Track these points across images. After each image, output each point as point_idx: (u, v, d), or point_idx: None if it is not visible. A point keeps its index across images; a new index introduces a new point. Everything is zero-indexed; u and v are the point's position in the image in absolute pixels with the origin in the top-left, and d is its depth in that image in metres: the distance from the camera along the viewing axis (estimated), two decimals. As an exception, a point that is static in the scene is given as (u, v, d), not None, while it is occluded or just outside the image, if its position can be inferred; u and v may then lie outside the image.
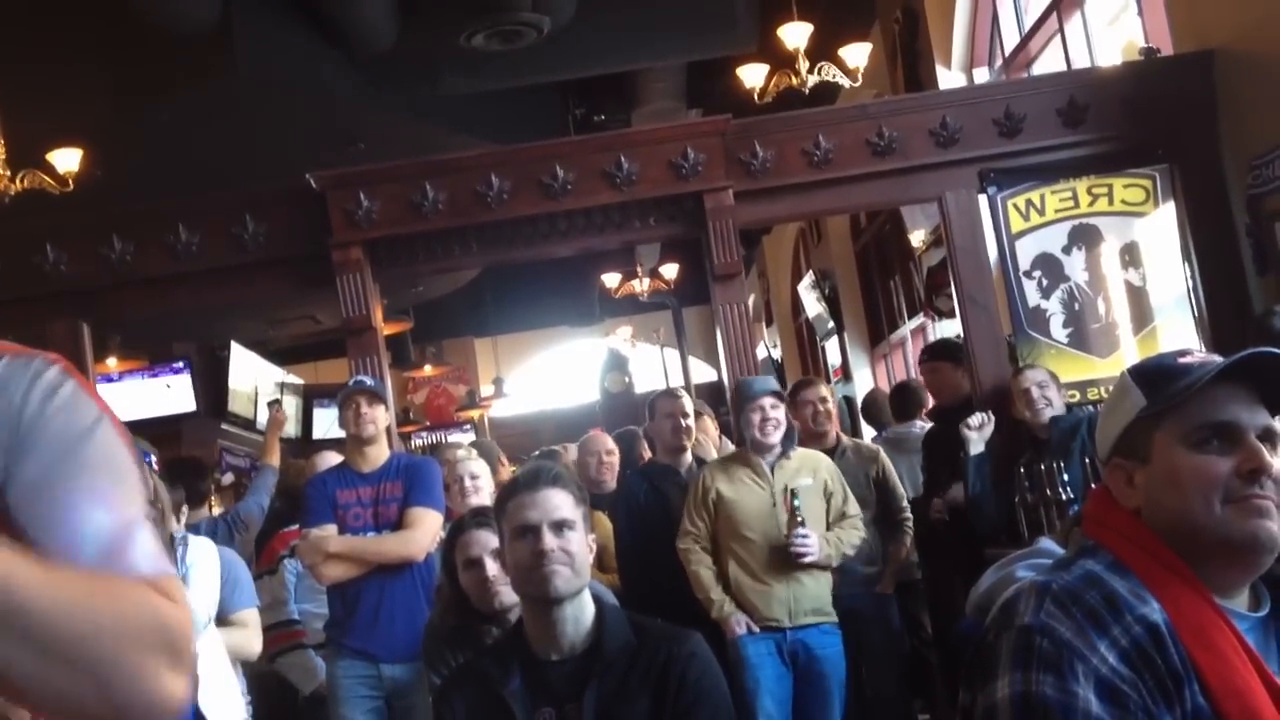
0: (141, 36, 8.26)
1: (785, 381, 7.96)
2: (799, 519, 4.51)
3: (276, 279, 6.14)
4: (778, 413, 4.67)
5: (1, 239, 5.88)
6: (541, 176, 5.85)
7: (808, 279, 13.08)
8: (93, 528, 0.99)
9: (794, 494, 4.55)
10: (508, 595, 2.99)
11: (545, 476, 2.57)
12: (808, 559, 4.50)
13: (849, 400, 9.18)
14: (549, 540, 2.44)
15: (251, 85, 8.59)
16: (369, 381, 4.73)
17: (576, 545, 2.47)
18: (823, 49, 7.68)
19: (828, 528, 4.68)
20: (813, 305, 13.07)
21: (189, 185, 7.33)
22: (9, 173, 7.05)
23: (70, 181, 7.11)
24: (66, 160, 7.29)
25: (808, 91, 7.42)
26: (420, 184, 5.81)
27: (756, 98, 7.47)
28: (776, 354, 15.98)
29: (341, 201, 5.77)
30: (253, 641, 3.84)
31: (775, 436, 4.66)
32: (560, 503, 2.50)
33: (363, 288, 5.80)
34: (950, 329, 8.28)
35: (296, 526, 4.75)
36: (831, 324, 12.68)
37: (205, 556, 3.65)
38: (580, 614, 2.46)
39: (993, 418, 5.17)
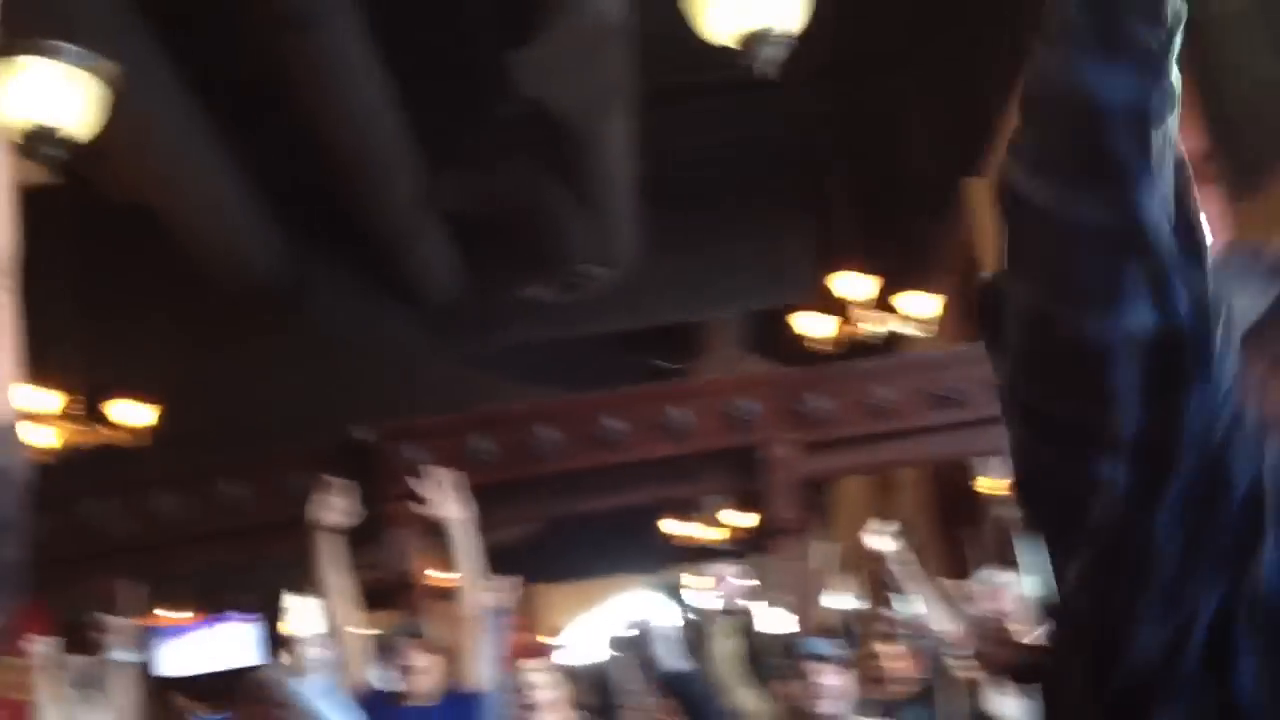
0: (212, 293, 8.48)
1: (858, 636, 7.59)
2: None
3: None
4: (834, 682, 4.36)
5: (54, 495, 5.87)
6: (593, 429, 5.76)
7: (879, 527, 12.71)
8: None
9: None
10: None
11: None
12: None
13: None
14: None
15: (316, 339, 8.73)
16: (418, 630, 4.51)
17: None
18: (884, 297, 7.66)
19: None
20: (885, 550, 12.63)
21: (249, 437, 7.36)
22: (78, 426, 7.15)
23: (134, 435, 7.19)
24: (134, 415, 7.39)
25: (868, 342, 7.36)
26: (470, 437, 5.74)
27: (815, 348, 7.41)
28: (849, 605, 15.43)
29: (390, 455, 5.71)
30: None
31: (828, 709, 4.33)
32: None
33: (407, 545, 5.67)
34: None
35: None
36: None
37: None
38: None
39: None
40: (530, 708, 4.04)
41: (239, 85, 7.33)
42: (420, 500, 3.73)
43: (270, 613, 10.55)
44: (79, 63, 4.37)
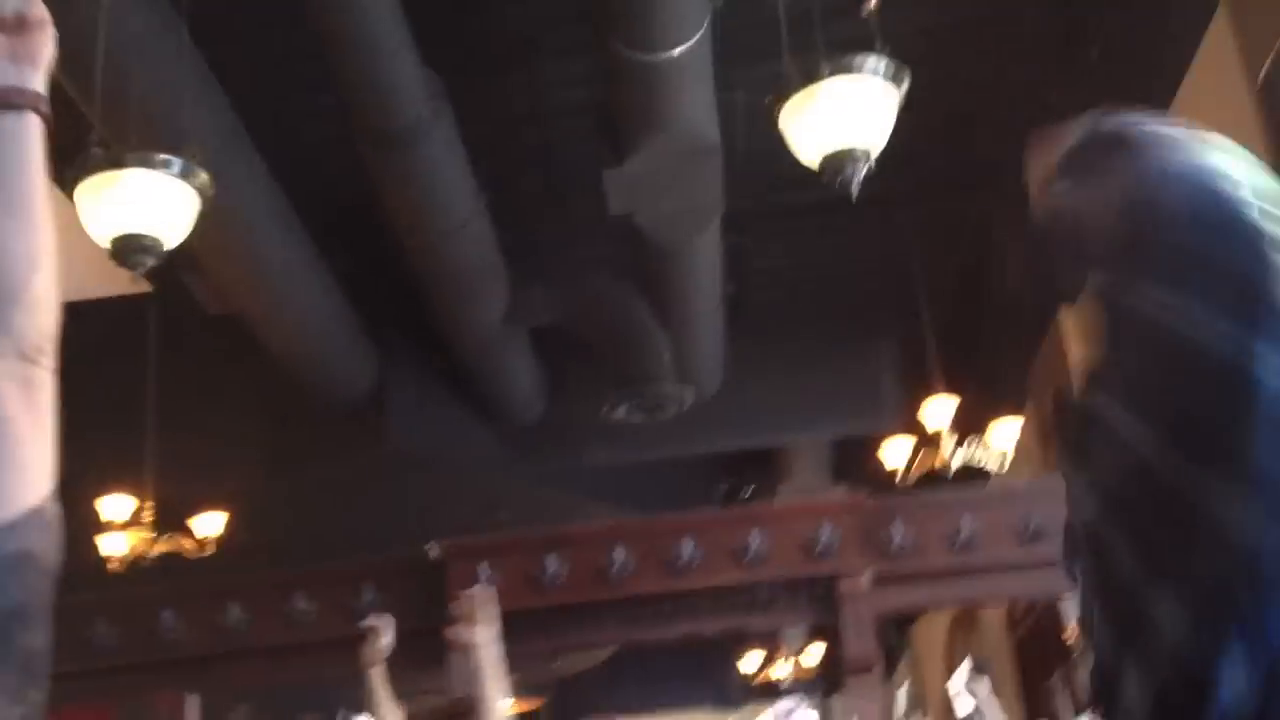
0: (296, 407, 8.55)
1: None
2: None
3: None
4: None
5: (121, 604, 5.87)
6: (665, 553, 5.63)
7: (960, 674, 12.23)
8: None
9: None
10: None
11: None
12: None
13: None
14: None
15: (396, 456, 8.73)
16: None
17: None
18: (971, 427, 7.47)
19: None
20: (964, 705, 12.14)
21: (324, 552, 7.33)
22: (154, 534, 7.19)
23: (208, 545, 7.20)
24: (208, 524, 7.42)
25: (951, 474, 7.15)
26: (542, 556, 5.64)
27: (898, 479, 7.22)
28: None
29: (459, 573, 5.62)
30: None
31: None
32: None
33: (477, 669, 5.53)
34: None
35: None
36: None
37: None
38: None
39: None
40: None
41: (334, 198, 7.47)
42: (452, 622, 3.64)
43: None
44: (176, 172, 4.48)
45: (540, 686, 11.22)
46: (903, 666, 14.96)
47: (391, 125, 5.92)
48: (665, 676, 14.77)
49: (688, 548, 5.62)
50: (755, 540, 5.59)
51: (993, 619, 11.66)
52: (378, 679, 4.08)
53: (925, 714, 15.38)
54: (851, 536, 5.57)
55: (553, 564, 5.63)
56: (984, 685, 6.00)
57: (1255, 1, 5.29)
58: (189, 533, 7.23)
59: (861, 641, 5.42)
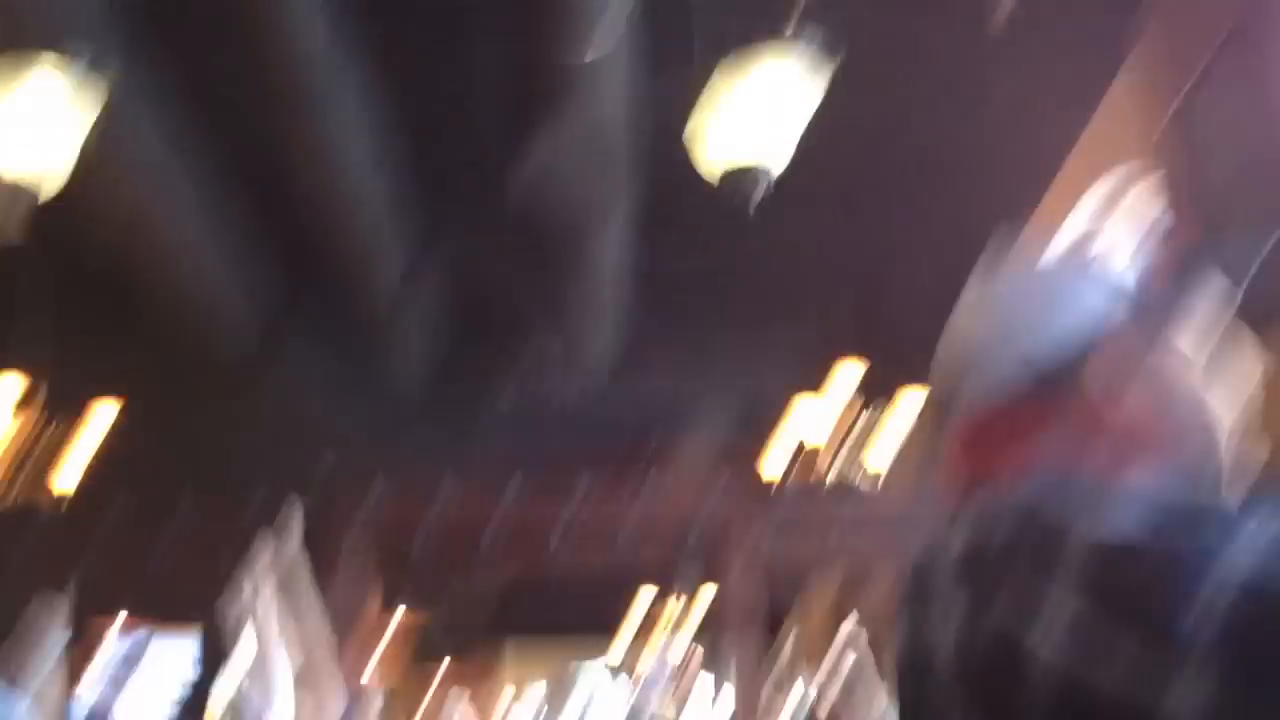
0: (181, 349, 8.35)
1: None
2: None
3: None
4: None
5: None
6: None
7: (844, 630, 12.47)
8: None
9: None
10: None
11: None
12: None
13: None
14: None
15: (278, 409, 8.59)
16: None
17: None
18: (879, 393, 7.51)
19: None
20: (846, 660, 12.40)
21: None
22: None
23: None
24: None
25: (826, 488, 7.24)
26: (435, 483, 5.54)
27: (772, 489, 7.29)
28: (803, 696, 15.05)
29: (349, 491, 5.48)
30: None
31: None
32: None
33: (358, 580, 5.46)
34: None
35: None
36: None
37: None
38: None
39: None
40: None
41: (236, 147, 7.28)
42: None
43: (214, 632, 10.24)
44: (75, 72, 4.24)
45: (430, 600, 11.11)
46: (790, 619, 15.16)
47: (298, 83, 5.81)
48: (556, 606, 14.78)
49: (582, 484, 5.61)
50: (650, 483, 5.59)
51: (883, 581, 11.86)
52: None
53: (807, 666, 15.65)
54: (746, 487, 5.60)
55: (445, 493, 5.56)
56: (863, 641, 6.09)
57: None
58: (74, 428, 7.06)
59: (744, 591, 5.46)
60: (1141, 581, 0.80)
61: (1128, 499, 0.87)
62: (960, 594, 0.90)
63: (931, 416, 1.12)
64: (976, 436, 1.04)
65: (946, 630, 0.91)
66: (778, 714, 5.74)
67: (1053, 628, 0.81)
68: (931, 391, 1.11)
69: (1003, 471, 0.98)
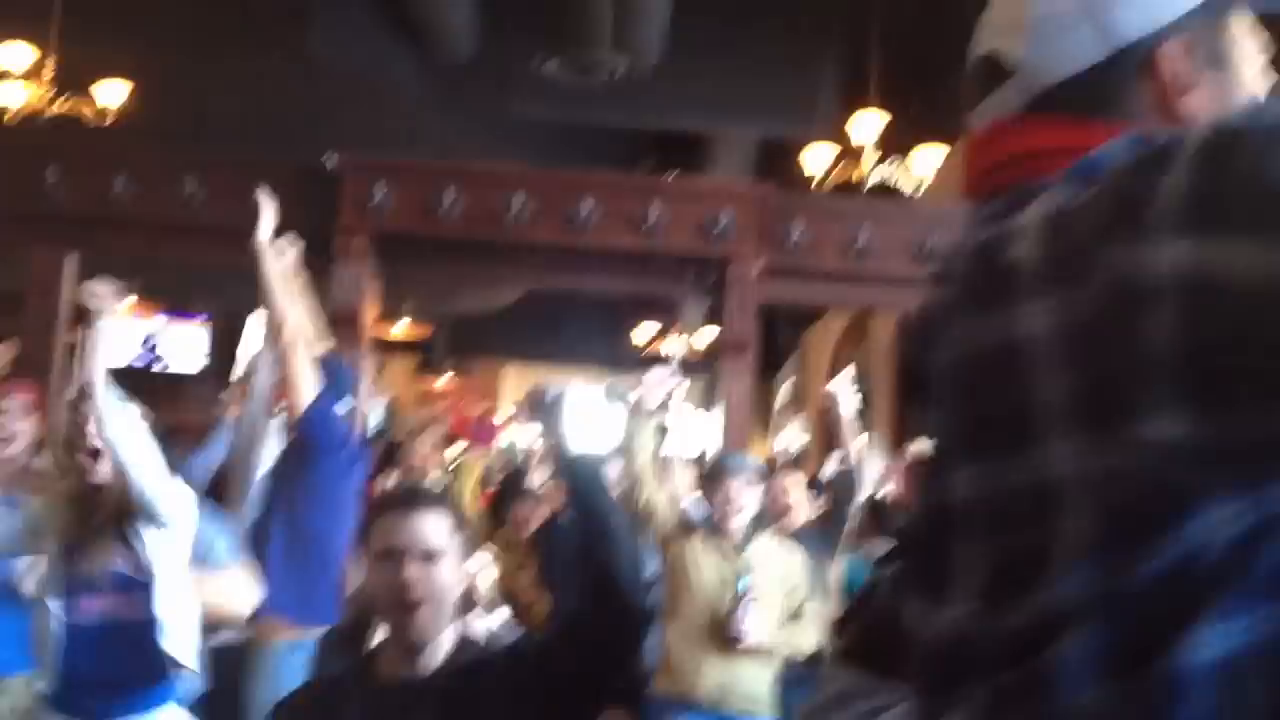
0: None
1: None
2: (746, 600, 4.19)
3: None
4: (744, 496, 4.36)
5: (7, 149, 5.72)
6: (567, 207, 5.61)
7: (845, 374, 12.69)
8: None
9: (745, 576, 4.23)
10: None
11: (421, 498, 2.29)
12: (747, 642, 4.17)
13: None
14: (412, 571, 2.16)
15: (317, 66, 8.43)
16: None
17: (444, 578, 2.19)
18: (897, 147, 7.41)
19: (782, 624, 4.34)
20: (846, 404, 12.67)
21: (224, 145, 7.18)
22: (52, 92, 6.95)
23: (108, 115, 6.99)
24: (112, 93, 7.18)
25: (866, 188, 7.15)
26: (440, 188, 5.58)
27: (814, 184, 7.20)
28: (799, 442, 15.53)
29: (355, 188, 5.56)
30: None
31: (737, 521, 4.34)
32: (432, 530, 2.22)
33: (357, 281, 5.57)
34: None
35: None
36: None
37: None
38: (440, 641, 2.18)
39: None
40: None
41: None
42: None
43: (226, 321, 10.56)
44: None
45: (432, 314, 11.38)
46: (790, 364, 15.46)
47: None
48: (558, 333, 15.10)
49: (587, 206, 5.60)
50: (655, 211, 5.58)
51: (882, 336, 12.02)
52: (274, 267, 4.01)
53: (803, 410, 16.05)
54: (749, 224, 5.59)
55: (450, 196, 5.59)
56: (855, 397, 6.20)
57: None
58: (90, 99, 7.00)
59: (742, 323, 5.54)
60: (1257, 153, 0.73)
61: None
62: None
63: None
64: (1042, 113, 0.98)
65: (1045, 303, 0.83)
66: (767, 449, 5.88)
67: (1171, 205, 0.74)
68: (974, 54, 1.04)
69: (1073, 150, 0.91)
